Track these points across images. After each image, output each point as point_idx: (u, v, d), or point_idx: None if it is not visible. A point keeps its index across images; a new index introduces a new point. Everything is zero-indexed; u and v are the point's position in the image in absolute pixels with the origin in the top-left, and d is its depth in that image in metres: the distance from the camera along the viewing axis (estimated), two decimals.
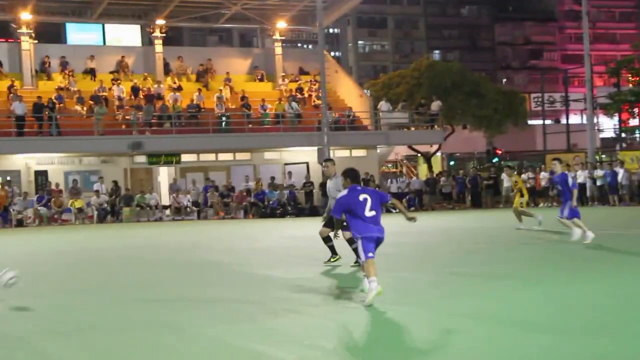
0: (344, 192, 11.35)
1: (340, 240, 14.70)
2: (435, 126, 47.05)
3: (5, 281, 11.43)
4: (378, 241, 10.90)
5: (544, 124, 62.48)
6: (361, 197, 11.00)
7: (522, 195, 23.27)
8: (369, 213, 10.89)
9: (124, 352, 8.07)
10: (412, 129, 47.86)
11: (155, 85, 44.79)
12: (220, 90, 45.36)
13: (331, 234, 15.00)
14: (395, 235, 19.57)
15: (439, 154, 55.08)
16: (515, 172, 26.92)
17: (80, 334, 9.18)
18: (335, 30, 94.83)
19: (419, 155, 54.20)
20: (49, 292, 13.28)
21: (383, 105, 46.62)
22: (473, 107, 50.60)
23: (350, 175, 11.48)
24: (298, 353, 7.61)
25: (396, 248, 18.22)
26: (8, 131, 38.60)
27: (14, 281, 11.51)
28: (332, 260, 15.25)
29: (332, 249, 15.26)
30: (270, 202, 38.40)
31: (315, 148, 41.90)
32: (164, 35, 47.11)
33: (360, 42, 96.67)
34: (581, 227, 17.50)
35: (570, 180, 17.69)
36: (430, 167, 50.86)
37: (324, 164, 14.99)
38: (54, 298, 12.38)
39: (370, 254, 10.64)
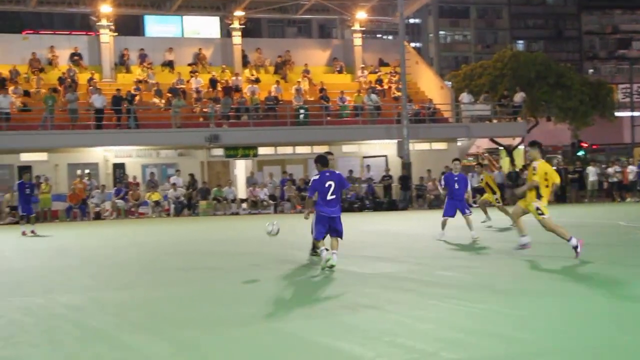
0: (316, 176, 14.26)
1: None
2: (519, 118, 46.49)
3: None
4: (330, 220, 14.04)
5: (632, 116, 61.14)
6: (327, 183, 14.03)
7: (494, 192, 24.31)
8: (329, 197, 14.03)
9: (202, 346, 8.19)
10: (495, 121, 47.32)
11: (233, 78, 45.15)
12: (299, 82, 45.54)
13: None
14: (477, 231, 19.40)
15: (521, 146, 54.37)
16: (484, 170, 26.82)
17: (158, 327, 9.34)
18: (416, 21, 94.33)
19: (501, 148, 53.60)
20: (129, 285, 13.54)
21: (465, 97, 46.28)
22: (558, 98, 49.89)
23: (321, 161, 14.42)
24: (377, 350, 7.59)
25: (479, 244, 18.08)
26: (87, 124, 39.40)
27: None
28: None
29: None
30: (348, 196, 38.32)
31: (395, 141, 41.77)
32: (243, 26, 47.43)
33: (441, 32, 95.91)
34: (444, 226, 19.29)
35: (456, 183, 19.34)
36: (512, 161, 50.28)
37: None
38: (133, 291, 12.61)
39: (318, 236, 14.16)
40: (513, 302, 10.23)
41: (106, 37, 44.47)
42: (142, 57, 45.38)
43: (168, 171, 40.60)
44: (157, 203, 37.61)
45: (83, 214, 36.58)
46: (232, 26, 47.20)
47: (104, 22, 44.28)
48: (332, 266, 13.71)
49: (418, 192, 40.38)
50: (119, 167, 40.34)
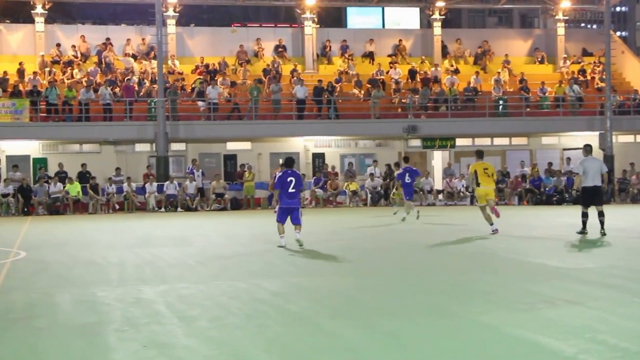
0: (280, 173, 17.90)
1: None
2: None
3: None
4: (290, 210, 17.31)
5: None
6: (289, 179, 17.20)
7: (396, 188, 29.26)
8: (290, 190, 17.20)
9: (402, 335, 8.24)
10: None
11: (432, 68, 45.02)
12: (499, 72, 44.81)
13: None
14: None
15: None
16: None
17: (356, 314, 9.47)
18: (623, 9, 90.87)
19: None
20: (325, 272, 13.79)
21: None
22: None
23: (286, 162, 17.99)
24: (578, 346, 7.40)
25: None
26: (289, 114, 40.29)
27: None
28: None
29: (584, 224, 19.17)
30: (547, 189, 37.43)
31: (597, 133, 40.52)
32: (443, 17, 47.21)
33: None
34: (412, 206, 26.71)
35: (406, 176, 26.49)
36: None
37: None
38: (330, 278, 12.83)
39: (280, 220, 17.38)
40: None
41: (309, 29, 45.34)
42: (344, 49, 45.97)
43: (366, 161, 40.95)
44: (354, 193, 37.95)
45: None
46: (432, 17, 47.07)
47: (307, 14, 45.17)
48: (300, 244, 17.16)
49: (620, 186, 38.85)
50: (318, 157, 41.09)
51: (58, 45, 42.89)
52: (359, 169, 40.47)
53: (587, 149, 20.12)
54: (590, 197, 19.47)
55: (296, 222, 17.47)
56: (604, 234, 18.77)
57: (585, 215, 19.28)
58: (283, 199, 17.43)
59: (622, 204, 37.08)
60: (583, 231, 19.14)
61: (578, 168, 20.41)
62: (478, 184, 20.61)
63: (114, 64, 42.55)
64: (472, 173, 20.85)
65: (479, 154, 21.59)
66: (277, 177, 17.86)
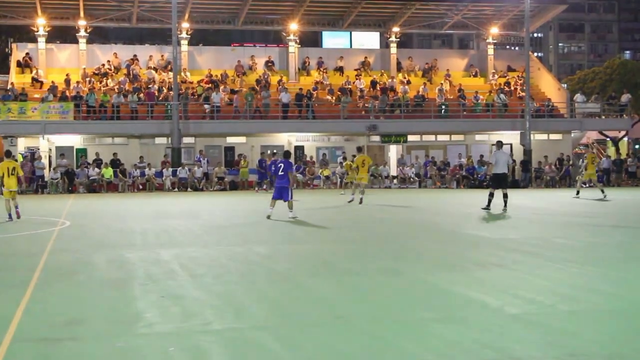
0: (274, 161, 18.85)
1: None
2: (624, 115, 44.14)
3: None
4: (280, 189, 17.50)
5: None
6: (278, 164, 17.75)
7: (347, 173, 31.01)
8: (280, 173, 17.59)
9: (362, 289, 8.23)
10: (603, 117, 45.17)
11: (389, 80, 44.93)
12: (442, 84, 44.80)
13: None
14: (590, 206, 18.62)
15: (626, 138, 51.63)
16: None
17: (326, 273, 9.44)
18: (539, 35, 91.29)
19: (608, 139, 51.11)
20: (304, 240, 13.74)
21: (578, 97, 44.43)
22: None
23: (284, 154, 18.83)
24: (503, 300, 7.41)
25: (589, 218, 17.36)
26: (276, 115, 40.17)
27: None
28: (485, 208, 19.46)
29: (489, 202, 19.45)
30: (479, 176, 37.59)
31: (519, 132, 40.68)
32: (398, 39, 47.10)
33: (560, 44, 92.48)
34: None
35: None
36: (617, 150, 47.83)
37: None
38: (308, 245, 12.80)
39: (274, 197, 17.63)
40: (619, 266, 9.76)
41: (292, 48, 45.13)
42: (319, 64, 45.79)
43: (336, 153, 40.90)
44: (327, 177, 37.97)
45: (271, 184, 37.20)
46: (389, 39, 46.93)
47: (291, 36, 44.92)
48: (294, 218, 17.21)
49: (536, 174, 39.08)
50: (299, 149, 40.94)
51: (103, 65, 42.73)
52: (331, 158, 40.42)
53: (499, 144, 20.62)
54: (499, 182, 19.87)
55: (286, 198, 17.58)
56: (505, 210, 18.99)
57: (491, 195, 19.70)
58: (276, 180, 17.83)
59: (537, 188, 37.28)
60: (487, 207, 19.38)
61: (491, 159, 20.74)
62: (358, 172, 23.50)
63: (140, 75, 42.29)
64: (357, 164, 23.35)
65: (359, 149, 24.59)
66: (270, 164, 18.43)
